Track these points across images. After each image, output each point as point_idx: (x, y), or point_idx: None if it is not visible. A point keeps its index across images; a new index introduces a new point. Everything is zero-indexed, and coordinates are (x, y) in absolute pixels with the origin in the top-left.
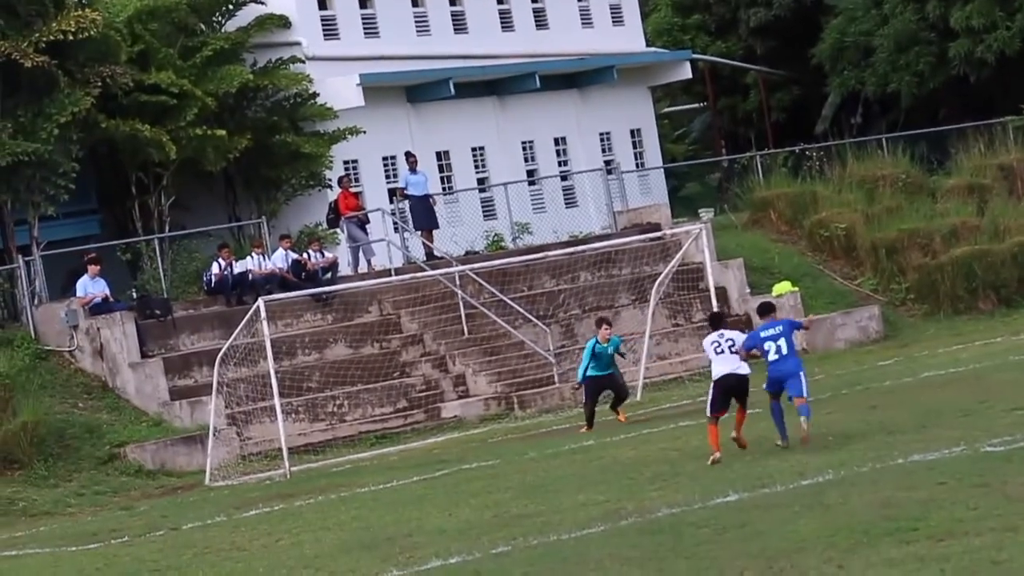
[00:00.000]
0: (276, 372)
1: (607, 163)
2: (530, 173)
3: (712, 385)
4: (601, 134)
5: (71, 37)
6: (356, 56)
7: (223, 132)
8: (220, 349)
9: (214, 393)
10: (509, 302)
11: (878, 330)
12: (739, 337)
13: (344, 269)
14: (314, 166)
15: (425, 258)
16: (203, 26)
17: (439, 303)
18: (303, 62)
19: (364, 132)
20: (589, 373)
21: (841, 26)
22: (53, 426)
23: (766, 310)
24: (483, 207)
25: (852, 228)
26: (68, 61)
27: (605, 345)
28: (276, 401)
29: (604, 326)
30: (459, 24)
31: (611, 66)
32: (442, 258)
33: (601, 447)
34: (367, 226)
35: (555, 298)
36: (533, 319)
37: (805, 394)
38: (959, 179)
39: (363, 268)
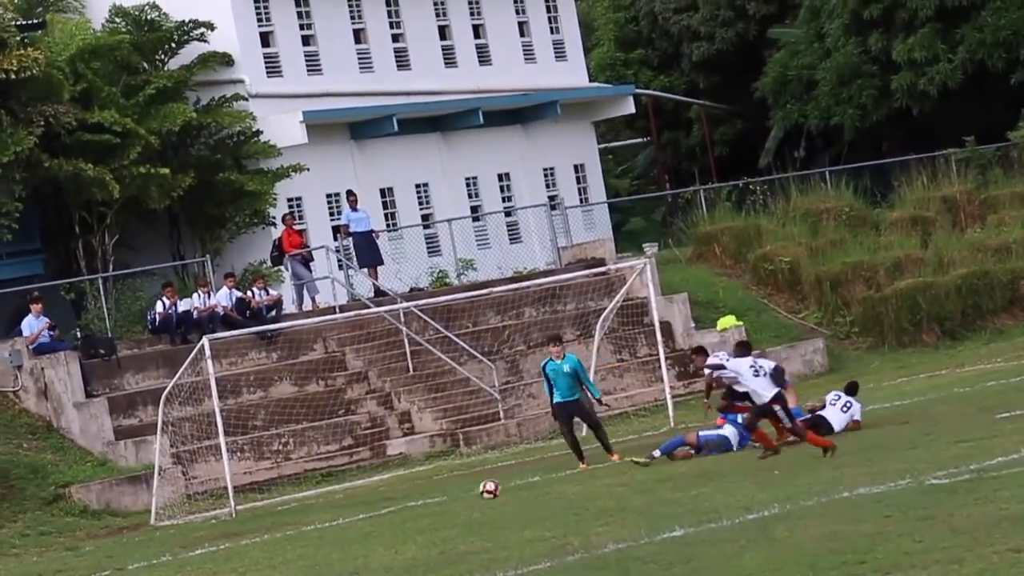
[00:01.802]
0: (221, 411)
1: (551, 198)
2: (474, 209)
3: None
4: (545, 169)
5: (13, 76)
6: (299, 93)
7: (166, 170)
8: (165, 388)
9: (159, 432)
10: (454, 338)
11: (823, 363)
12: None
13: (288, 307)
14: (258, 204)
15: (373, 294)
16: (146, 64)
17: (384, 340)
18: (246, 99)
19: (308, 169)
20: (556, 400)
21: (783, 60)
22: None
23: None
24: (427, 243)
25: (796, 261)
26: (10, 100)
27: (559, 363)
28: (221, 440)
29: (553, 344)
30: (402, 61)
31: (554, 101)
32: (387, 295)
33: (547, 483)
34: (311, 263)
35: (500, 334)
36: (478, 355)
37: None
38: (902, 212)
39: (307, 306)
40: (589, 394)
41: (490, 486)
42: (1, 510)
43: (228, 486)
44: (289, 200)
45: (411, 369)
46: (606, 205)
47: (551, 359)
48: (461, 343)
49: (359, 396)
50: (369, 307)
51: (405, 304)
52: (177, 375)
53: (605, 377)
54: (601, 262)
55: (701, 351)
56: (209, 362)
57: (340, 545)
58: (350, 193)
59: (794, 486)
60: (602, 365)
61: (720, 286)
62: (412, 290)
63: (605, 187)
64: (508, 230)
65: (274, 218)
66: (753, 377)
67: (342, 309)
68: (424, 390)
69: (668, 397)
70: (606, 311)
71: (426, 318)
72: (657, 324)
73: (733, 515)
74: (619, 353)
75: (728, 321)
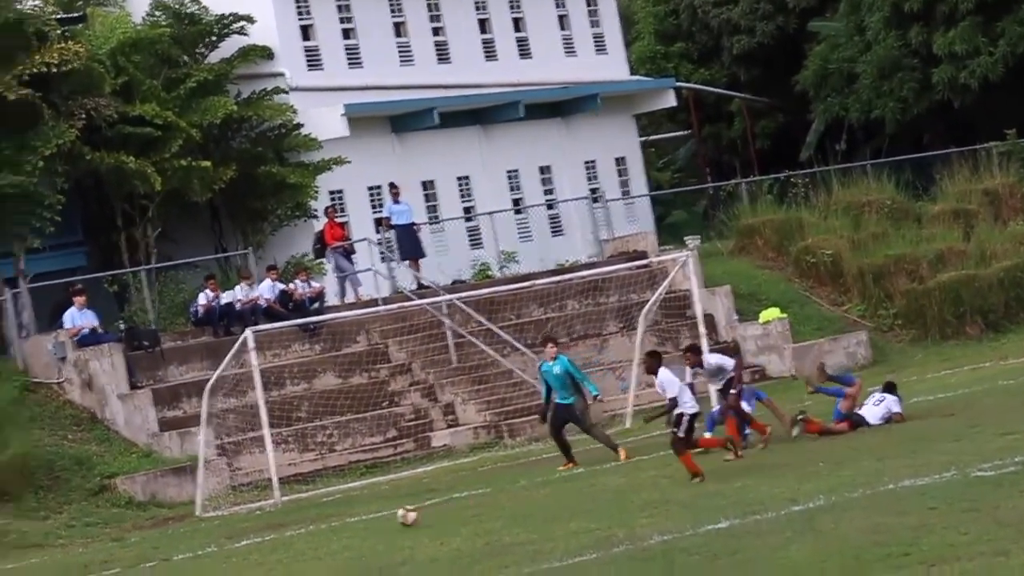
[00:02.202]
0: (265, 402)
1: (592, 191)
2: (516, 202)
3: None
4: (586, 162)
5: (54, 69)
6: (340, 87)
7: (208, 163)
8: (209, 380)
9: (203, 424)
10: (497, 331)
11: (866, 356)
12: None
13: (331, 299)
14: (299, 196)
15: (415, 287)
16: (187, 58)
17: (427, 332)
18: (287, 93)
19: (349, 162)
20: (557, 400)
21: (824, 53)
22: (43, 458)
23: None
24: (469, 236)
25: (839, 254)
26: (52, 94)
27: (551, 364)
28: (265, 431)
29: (548, 344)
30: (443, 54)
31: (595, 94)
32: (429, 287)
33: (591, 475)
34: (353, 256)
35: (543, 326)
36: (521, 347)
37: None
38: (944, 205)
39: (350, 298)
40: (586, 392)
41: (411, 516)
42: (47, 501)
43: (273, 477)
44: (331, 193)
45: (454, 361)
46: (648, 198)
47: (545, 361)
48: (504, 335)
49: (403, 388)
50: (412, 299)
51: (448, 296)
52: (221, 367)
53: None
54: (643, 255)
55: (694, 349)
56: (252, 354)
57: (385, 536)
58: (392, 185)
59: (839, 478)
60: None
61: (762, 279)
62: (454, 282)
63: (647, 180)
64: (550, 223)
65: (316, 211)
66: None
67: (385, 301)
68: (468, 382)
69: (711, 389)
70: (649, 303)
71: (469, 310)
72: (700, 317)
73: (778, 507)
74: (662, 345)
75: (771, 313)
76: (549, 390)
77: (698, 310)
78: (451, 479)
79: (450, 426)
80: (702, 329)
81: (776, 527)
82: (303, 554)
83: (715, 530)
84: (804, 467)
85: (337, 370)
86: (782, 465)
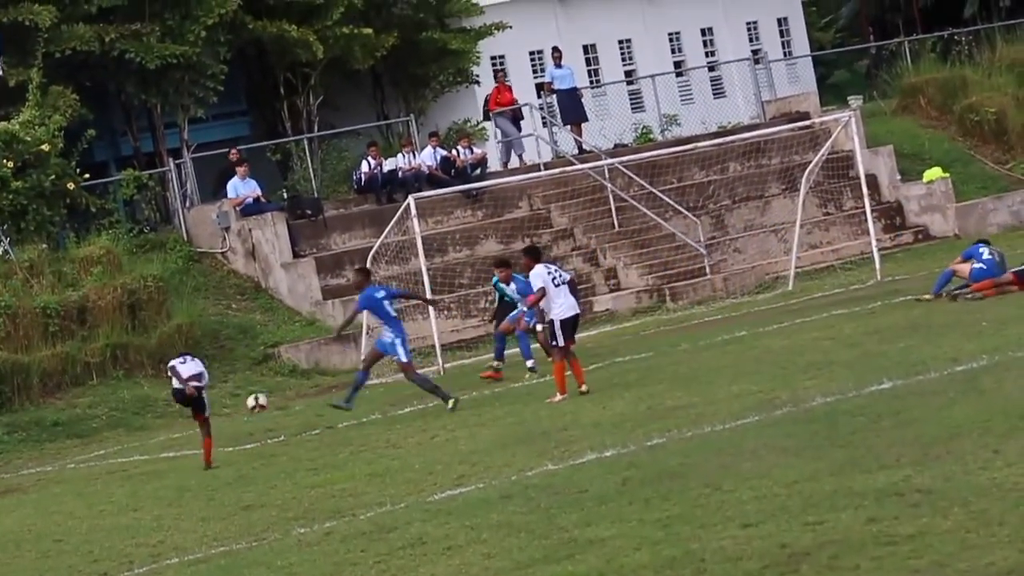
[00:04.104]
0: (428, 269)
1: (754, 52)
2: (677, 64)
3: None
4: (748, 23)
5: None
6: None
7: (370, 30)
8: (371, 247)
9: None
10: (659, 194)
11: None
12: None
13: (493, 165)
14: (461, 62)
15: (577, 151)
16: None
17: (589, 197)
18: None
19: (510, 27)
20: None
21: None
22: (207, 327)
23: None
24: (631, 100)
25: (1003, 112)
26: None
27: (504, 286)
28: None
29: (499, 269)
30: None
31: None
32: (591, 151)
33: (753, 337)
34: (520, 121)
35: (705, 189)
36: (683, 211)
37: None
38: None
39: (513, 163)
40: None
41: (259, 400)
42: (211, 370)
43: (436, 344)
44: (492, 58)
45: (616, 225)
46: (810, 58)
47: (498, 280)
48: (666, 199)
49: (565, 253)
50: (574, 164)
51: (609, 160)
52: (383, 234)
53: (811, 231)
54: (806, 115)
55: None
56: (415, 221)
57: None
58: (555, 50)
59: (1002, 337)
60: (808, 219)
61: (926, 138)
62: (616, 146)
63: (808, 40)
64: (712, 85)
65: (478, 76)
66: (554, 287)
67: (546, 166)
68: (630, 246)
69: (875, 250)
70: (811, 165)
71: (630, 174)
72: (863, 177)
73: (941, 367)
74: (825, 207)
75: (934, 173)
76: (502, 297)
77: (861, 170)
78: (613, 343)
79: (612, 290)
80: (865, 189)
81: (939, 387)
82: (466, 420)
83: (878, 391)
84: (967, 327)
85: (499, 236)
86: (945, 325)
